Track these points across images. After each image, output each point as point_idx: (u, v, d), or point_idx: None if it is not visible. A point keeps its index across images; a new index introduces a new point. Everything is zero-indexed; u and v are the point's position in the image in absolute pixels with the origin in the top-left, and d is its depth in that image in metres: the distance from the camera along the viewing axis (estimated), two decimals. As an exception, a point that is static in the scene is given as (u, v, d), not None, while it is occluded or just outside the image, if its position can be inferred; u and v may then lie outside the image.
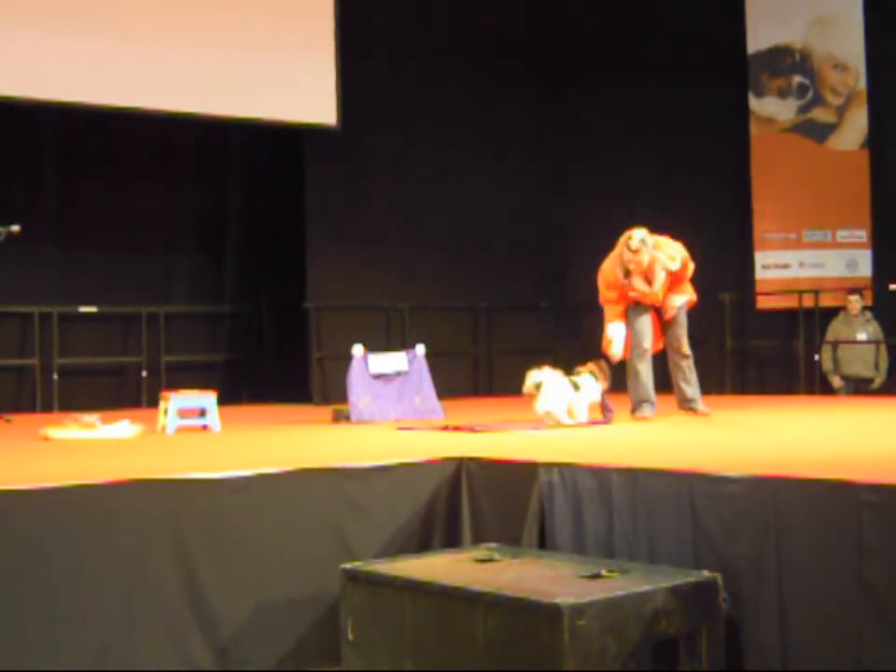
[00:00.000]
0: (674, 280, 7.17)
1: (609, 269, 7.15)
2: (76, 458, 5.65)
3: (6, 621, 4.06)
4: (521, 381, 6.89)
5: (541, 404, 6.77)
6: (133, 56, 9.61)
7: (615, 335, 7.12)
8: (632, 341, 7.22)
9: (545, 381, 6.80)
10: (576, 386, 6.91)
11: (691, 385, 7.35)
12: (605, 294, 7.21)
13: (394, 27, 11.18)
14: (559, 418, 6.78)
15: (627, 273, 7.07)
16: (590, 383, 6.97)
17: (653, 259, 7.03)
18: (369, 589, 4.25)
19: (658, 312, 7.30)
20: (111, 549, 4.28)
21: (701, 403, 7.34)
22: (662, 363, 7.53)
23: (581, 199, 11.94)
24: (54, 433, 6.72)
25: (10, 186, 9.92)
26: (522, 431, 6.59)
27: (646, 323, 7.24)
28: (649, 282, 7.09)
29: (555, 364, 7.24)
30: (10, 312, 10.18)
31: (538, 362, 7.11)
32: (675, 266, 7.07)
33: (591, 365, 7.06)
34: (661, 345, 7.39)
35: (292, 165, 10.91)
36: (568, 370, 7.08)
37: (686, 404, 7.35)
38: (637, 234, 7.01)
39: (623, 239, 7.07)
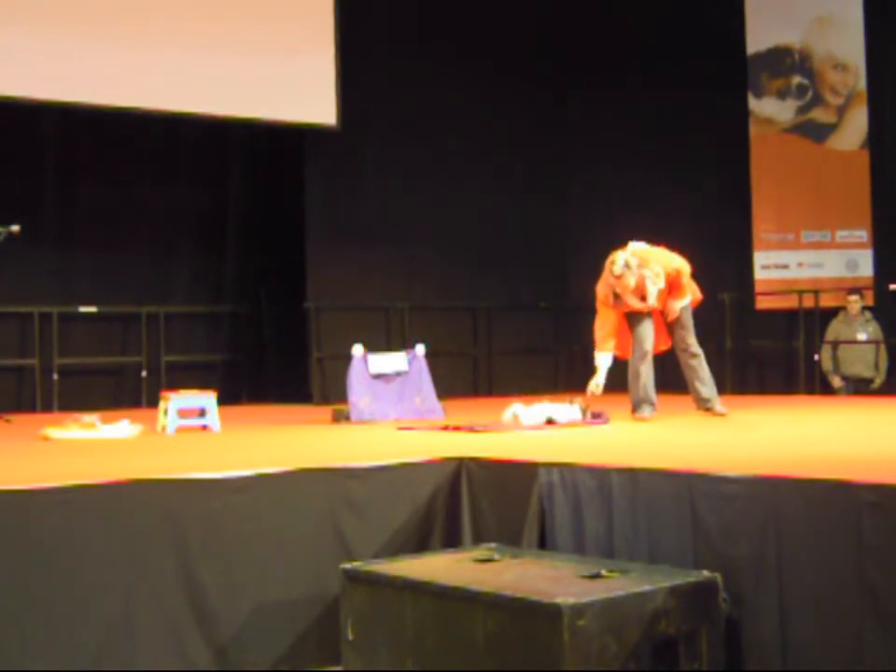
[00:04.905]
0: (672, 287, 7.12)
1: (601, 290, 7.12)
2: (76, 458, 5.65)
3: (6, 621, 4.06)
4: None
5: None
6: (133, 56, 9.60)
7: (601, 364, 7.08)
8: (634, 343, 7.20)
9: (518, 413, 6.90)
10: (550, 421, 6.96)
11: (705, 385, 7.25)
12: (600, 309, 7.19)
13: (394, 28, 11.18)
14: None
15: (617, 296, 7.04)
16: (570, 410, 7.01)
17: (642, 277, 6.97)
18: (369, 589, 4.25)
19: (662, 313, 7.28)
20: (111, 549, 4.28)
21: (718, 403, 7.24)
22: (662, 363, 7.52)
23: (582, 199, 11.95)
24: (54, 433, 6.72)
25: (10, 186, 9.92)
26: (522, 431, 6.60)
27: (647, 326, 7.19)
28: (643, 298, 7.06)
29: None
30: (10, 312, 10.17)
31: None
32: (659, 285, 7.01)
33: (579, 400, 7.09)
34: (666, 345, 7.36)
35: (292, 165, 10.91)
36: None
37: (703, 405, 7.27)
38: (620, 259, 6.93)
39: (608, 261, 7.01)
